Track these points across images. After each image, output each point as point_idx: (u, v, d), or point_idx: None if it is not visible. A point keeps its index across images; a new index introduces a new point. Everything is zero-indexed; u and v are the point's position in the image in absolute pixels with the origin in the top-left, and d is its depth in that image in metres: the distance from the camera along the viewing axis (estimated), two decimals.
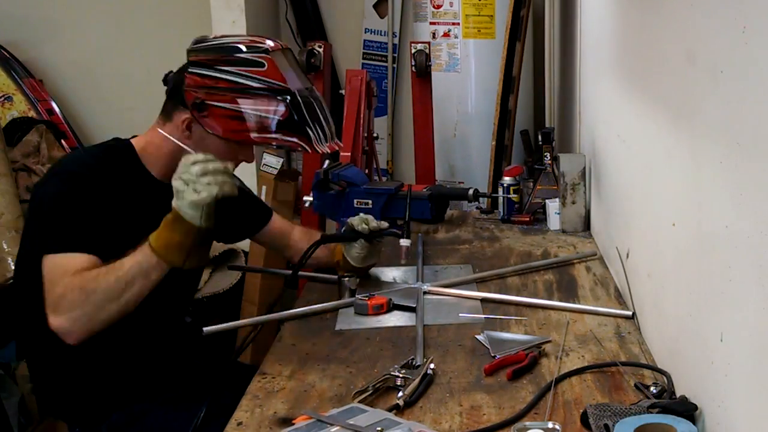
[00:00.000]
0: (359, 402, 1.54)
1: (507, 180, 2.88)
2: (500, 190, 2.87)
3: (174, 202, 1.72)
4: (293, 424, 1.44)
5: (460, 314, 2.04)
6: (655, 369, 1.67)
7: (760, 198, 1.11)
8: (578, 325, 1.95)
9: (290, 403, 1.62)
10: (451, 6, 4.14)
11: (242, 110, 1.86)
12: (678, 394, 1.51)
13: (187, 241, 1.72)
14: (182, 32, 4.79)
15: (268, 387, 1.69)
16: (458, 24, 4.15)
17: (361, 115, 3.47)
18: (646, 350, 1.79)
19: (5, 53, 4.47)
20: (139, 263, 1.73)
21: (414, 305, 2.09)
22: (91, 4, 4.67)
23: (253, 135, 1.88)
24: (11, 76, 4.44)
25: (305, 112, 1.91)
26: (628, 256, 2.06)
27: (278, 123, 1.89)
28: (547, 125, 3.99)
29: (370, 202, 2.77)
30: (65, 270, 1.74)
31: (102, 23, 4.66)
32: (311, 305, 2.12)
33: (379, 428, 1.37)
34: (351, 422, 1.41)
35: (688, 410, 1.40)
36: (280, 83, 1.90)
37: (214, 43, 1.93)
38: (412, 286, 2.22)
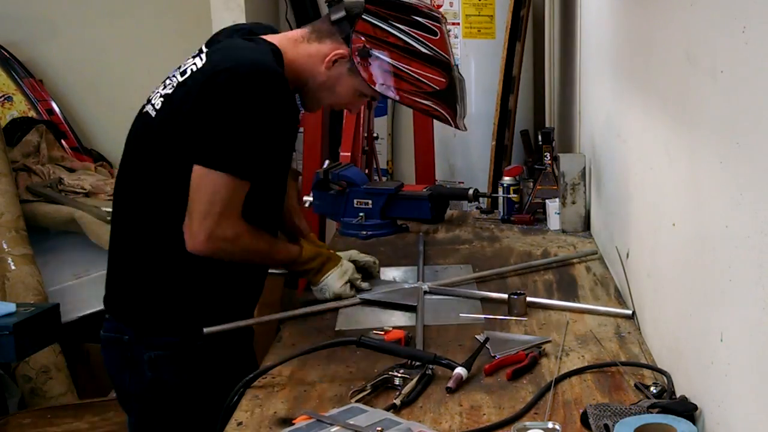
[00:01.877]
0: (357, 401, 1.54)
1: (507, 180, 2.87)
2: (500, 190, 2.87)
3: (334, 270, 2.11)
4: (293, 424, 1.44)
5: (460, 314, 2.04)
6: (655, 369, 1.67)
7: (760, 198, 1.11)
8: (578, 325, 1.95)
9: (290, 403, 1.62)
10: (451, 6, 4.14)
11: (406, 69, 1.94)
12: (678, 394, 1.51)
13: (312, 266, 2.08)
14: (182, 32, 4.82)
15: (268, 387, 1.69)
16: (458, 24, 4.15)
17: (361, 115, 3.47)
18: (646, 350, 1.79)
19: (5, 53, 4.47)
20: (288, 252, 2.03)
21: (414, 304, 2.09)
22: (91, 4, 4.67)
23: (406, 96, 1.96)
24: (11, 76, 4.44)
25: (458, 88, 2.02)
26: (628, 256, 2.06)
27: (435, 92, 1.98)
28: (547, 125, 4.00)
29: (370, 202, 2.77)
30: (236, 200, 1.80)
31: (102, 23, 4.67)
32: (311, 305, 2.12)
33: (379, 428, 1.37)
34: (351, 422, 1.41)
35: (688, 410, 1.40)
36: (446, 55, 2.00)
37: None
38: (412, 285, 2.22)
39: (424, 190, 2.88)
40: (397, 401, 1.56)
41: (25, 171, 4.03)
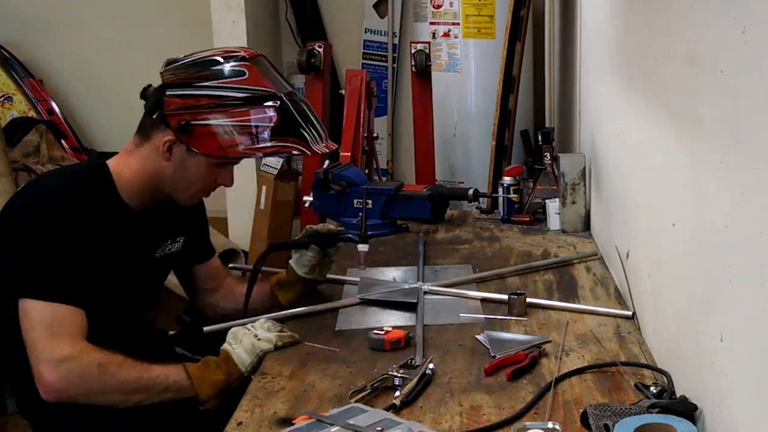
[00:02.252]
0: (357, 401, 1.54)
1: (507, 180, 2.87)
2: (500, 190, 2.87)
3: (227, 346, 1.79)
4: (293, 424, 1.44)
5: (460, 314, 2.04)
6: (655, 369, 1.67)
7: (760, 198, 1.11)
8: (578, 325, 1.95)
9: (290, 403, 1.62)
10: (451, 6, 4.15)
11: (231, 124, 1.80)
12: (678, 394, 1.51)
13: (226, 382, 1.77)
14: (182, 32, 4.83)
15: (268, 387, 1.69)
16: (458, 24, 4.15)
17: (361, 115, 3.48)
18: (646, 350, 1.79)
19: (5, 53, 4.47)
20: (166, 378, 1.74)
21: (414, 302, 2.09)
22: (91, 4, 4.68)
23: (245, 148, 1.83)
24: (11, 76, 4.44)
25: (296, 114, 1.86)
26: (628, 256, 2.06)
27: (272, 130, 1.83)
28: (547, 125, 4.00)
29: (370, 202, 2.77)
30: (72, 329, 1.70)
31: (102, 23, 4.67)
32: (311, 305, 2.12)
33: (379, 428, 1.37)
34: (351, 422, 1.41)
35: (688, 410, 1.40)
36: (265, 89, 1.84)
37: (187, 60, 1.87)
38: (412, 286, 2.22)
39: (424, 190, 2.88)
40: (397, 401, 1.56)
41: (25, 171, 4.04)
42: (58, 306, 1.71)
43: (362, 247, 2.13)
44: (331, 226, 2.17)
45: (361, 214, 2.72)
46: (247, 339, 1.79)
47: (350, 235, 2.12)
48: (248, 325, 1.84)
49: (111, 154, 1.94)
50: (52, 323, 1.70)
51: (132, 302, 1.99)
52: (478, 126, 4.16)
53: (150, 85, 1.92)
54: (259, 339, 1.80)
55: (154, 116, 1.85)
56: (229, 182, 1.92)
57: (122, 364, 1.72)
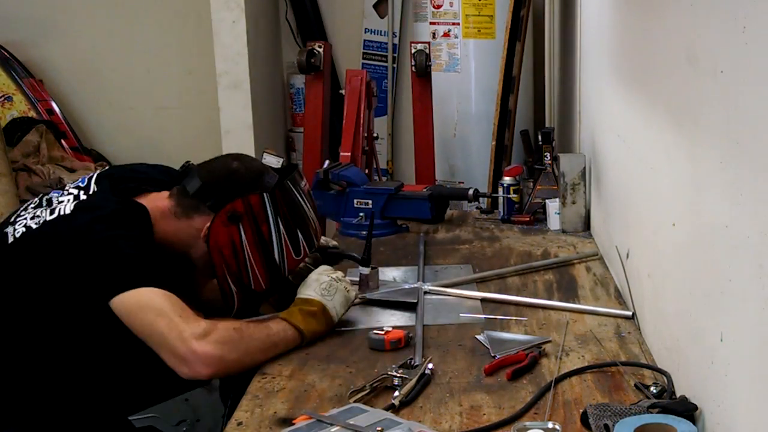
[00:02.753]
0: (356, 401, 1.54)
1: (507, 180, 2.87)
2: (500, 190, 2.87)
3: (320, 298, 1.88)
4: (293, 424, 1.44)
5: (460, 314, 2.04)
6: (655, 369, 1.67)
7: (760, 198, 1.11)
8: (578, 325, 1.95)
9: (290, 403, 1.62)
10: (451, 6, 4.15)
11: (247, 257, 1.88)
12: (678, 394, 1.51)
13: (324, 331, 1.89)
14: (182, 32, 4.83)
15: (268, 387, 1.69)
16: (458, 24, 4.15)
17: (361, 115, 3.48)
18: (646, 350, 1.79)
19: (5, 53, 4.47)
20: (285, 331, 1.82)
21: (414, 301, 2.09)
22: (91, 4, 4.67)
23: (223, 275, 1.88)
24: (11, 76, 4.44)
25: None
26: (628, 256, 2.06)
27: (245, 288, 1.91)
28: (547, 125, 4.00)
29: (370, 202, 2.77)
30: (176, 302, 1.71)
31: (102, 23, 4.67)
32: None
33: (379, 428, 1.37)
34: (351, 422, 1.41)
35: (688, 410, 1.40)
36: (283, 274, 1.96)
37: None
38: (412, 286, 2.22)
39: (424, 190, 2.88)
40: (396, 401, 1.56)
41: (25, 171, 4.04)
42: (166, 292, 1.72)
43: (363, 270, 2.15)
44: (333, 241, 2.24)
45: (361, 214, 2.73)
46: (339, 294, 1.91)
47: (355, 255, 2.17)
48: (333, 276, 1.93)
49: (133, 191, 1.94)
50: (173, 305, 1.70)
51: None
52: (478, 126, 4.16)
53: (189, 162, 1.99)
54: (348, 291, 1.94)
55: (200, 196, 1.89)
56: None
57: (249, 326, 1.78)
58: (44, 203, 1.88)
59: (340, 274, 1.97)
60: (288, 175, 1.97)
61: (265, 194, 1.87)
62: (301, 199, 1.94)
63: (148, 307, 1.70)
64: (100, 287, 1.73)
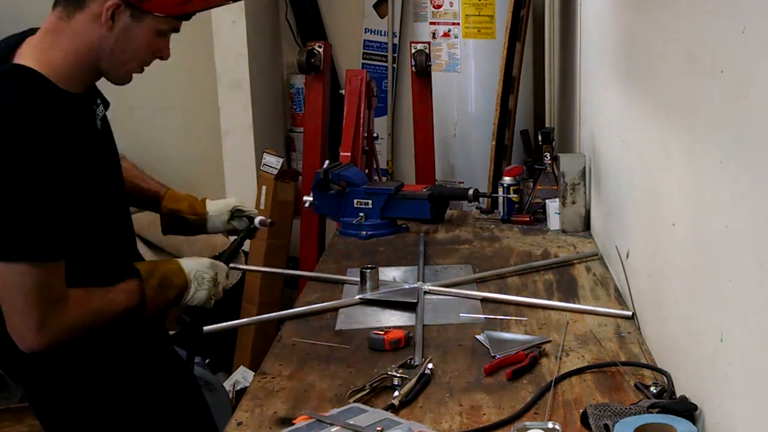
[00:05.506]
0: (355, 401, 1.54)
1: (507, 180, 2.87)
2: (500, 190, 2.87)
3: (190, 280, 1.71)
4: (293, 424, 1.44)
5: (460, 314, 2.04)
6: (655, 369, 1.67)
7: (760, 198, 1.11)
8: (578, 325, 1.95)
9: (290, 403, 1.62)
10: (451, 6, 4.14)
11: None
12: (678, 394, 1.51)
13: (164, 306, 1.72)
14: (182, 32, 4.79)
15: (268, 387, 1.69)
16: (458, 24, 4.15)
17: (361, 115, 3.47)
18: (646, 350, 1.79)
19: None
20: (131, 297, 1.65)
21: (414, 301, 2.09)
22: None
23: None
24: None
25: None
26: (628, 256, 2.06)
27: None
28: (547, 125, 4.00)
29: (370, 202, 2.77)
30: (53, 282, 1.53)
31: None
32: (311, 305, 2.12)
33: (379, 428, 1.37)
34: (351, 422, 1.41)
35: (688, 410, 1.40)
36: None
37: None
38: (412, 286, 2.22)
39: (424, 190, 2.88)
40: (396, 401, 1.56)
41: None
42: (46, 266, 1.52)
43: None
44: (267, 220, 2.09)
45: (361, 214, 2.73)
46: (203, 292, 1.73)
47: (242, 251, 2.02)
48: (216, 274, 1.76)
49: (12, 42, 1.65)
50: (43, 286, 1.52)
51: (116, 203, 1.79)
52: (478, 126, 4.16)
53: None
54: (211, 298, 1.75)
55: None
56: (168, 54, 1.78)
57: (90, 302, 1.60)
58: None
59: (223, 276, 1.80)
60: None
61: None
62: None
63: (10, 282, 1.51)
64: None
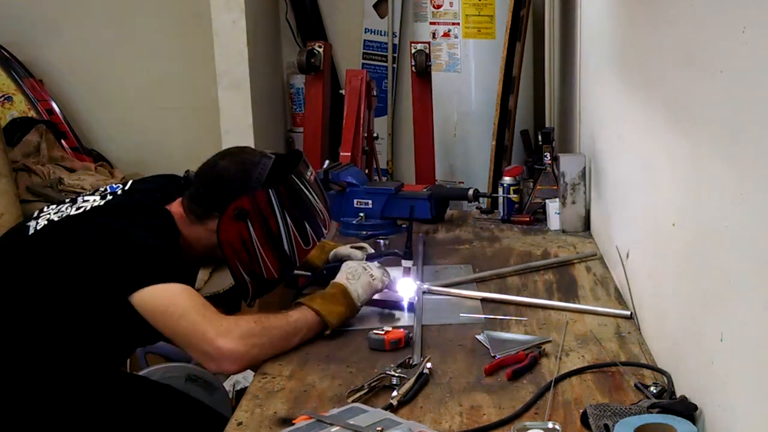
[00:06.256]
0: (354, 401, 1.54)
1: (507, 180, 2.87)
2: (500, 190, 2.87)
3: (344, 281, 1.94)
4: (293, 424, 1.44)
5: (460, 314, 2.04)
6: (655, 369, 1.67)
7: (760, 198, 1.11)
8: (578, 325, 1.95)
9: (290, 403, 1.62)
10: (451, 6, 4.15)
11: (257, 249, 1.94)
12: (678, 394, 1.51)
13: (347, 314, 1.92)
14: (182, 32, 4.82)
15: (268, 387, 1.69)
16: (458, 24, 4.15)
17: (361, 115, 3.48)
18: (646, 350, 1.79)
19: (5, 53, 4.47)
20: (305, 317, 1.86)
21: (413, 301, 2.09)
22: (91, 4, 4.67)
23: (235, 261, 1.95)
24: (11, 76, 4.44)
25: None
26: (628, 256, 2.06)
27: (258, 276, 1.99)
28: (547, 125, 4.00)
29: (370, 202, 2.77)
30: (203, 301, 1.76)
31: (102, 23, 4.67)
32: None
33: (379, 428, 1.37)
34: (351, 422, 1.41)
35: (688, 410, 1.40)
36: (295, 263, 2.03)
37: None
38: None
39: (424, 190, 2.88)
40: (394, 401, 1.56)
41: (25, 171, 4.03)
42: (187, 288, 1.76)
43: (406, 263, 2.20)
44: (368, 247, 2.32)
45: (361, 214, 2.73)
46: (364, 278, 1.96)
47: (396, 251, 2.26)
48: (364, 264, 2.01)
49: (158, 198, 1.97)
50: (194, 304, 1.75)
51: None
52: (478, 126, 4.16)
53: (189, 171, 2.03)
54: (374, 279, 1.97)
55: (204, 202, 1.93)
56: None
57: (269, 317, 1.81)
58: (69, 202, 1.92)
59: (372, 264, 2.03)
60: (293, 165, 1.98)
61: (270, 190, 1.89)
62: (306, 191, 1.96)
63: (170, 307, 1.72)
64: (119, 281, 1.74)
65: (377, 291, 1.99)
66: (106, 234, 1.78)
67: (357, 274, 1.96)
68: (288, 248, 1.94)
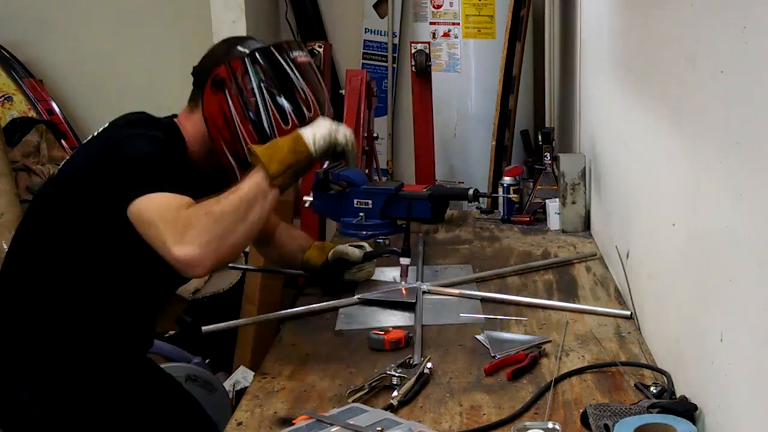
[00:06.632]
0: (354, 401, 1.54)
1: (507, 180, 2.87)
2: (500, 190, 2.87)
3: (302, 130, 1.79)
4: (293, 424, 1.44)
5: (460, 314, 2.04)
6: (655, 369, 1.67)
7: (760, 198, 1.11)
8: (578, 325, 1.95)
9: (290, 403, 1.62)
10: (451, 6, 4.14)
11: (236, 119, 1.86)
12: (678, 394, 1.51)
13: (294, 159, 1.75)
14: (182, 32, 4.82)
15: (268, 387, 1.69)
16: (458, 24, 4.15)
17: (361, 115, 3.47)
18: (646, 350, 1.79)
19: (5, 53, 4.47)
20: (256, 183, 1.71)
21: (413, 301, 2.09)
22: (91, 4, 4.67)
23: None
24: (11, 76, 4.44)
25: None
26: (628, 256, 2.06)
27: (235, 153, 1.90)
28: (547, 125, 4.00)
29: (370, 202, 2.76)
30: (178, 204, 1.63)
31: (102, 23, 4.67)
32: (311, 305, 2.12)
33: (379, 428, 1.37)
34: (351, 422, 1.41)
35: (688, 410, 1.40)
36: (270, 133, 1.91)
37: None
38: (412, 285, 2.22)
39: (424, 190, 2.87)
40: (394, 401, 1.56)
41: (25, 171, 4.03)
42: (175, 195, 1.65)
43: (404, 260, 2.20)
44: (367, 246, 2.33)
45: (361, 214, 2.73)
46: (324, 127, 1.82)
47: (395, 249, 2.27)
48: (329, 121, 1.87)
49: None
50: (161, 210, 1.63)
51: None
52: (478, 126, 4.16)
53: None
54: (338, 131, 1.84)
55: (199, 80, 1.89)
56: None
57: (219, 200, 1.67)
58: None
59: (343, 127, 1.90)
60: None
61: (246, 58, 1.85)
62: (288, 67, 1.88)
63: (146, 214, 1.64)
64: (116, 193, 1.68)
65: (338, 145, 1.84)
66: (108, 145, 1.76)
67: (319, 124, 1.83)
68: (267, 125, 1.84)
